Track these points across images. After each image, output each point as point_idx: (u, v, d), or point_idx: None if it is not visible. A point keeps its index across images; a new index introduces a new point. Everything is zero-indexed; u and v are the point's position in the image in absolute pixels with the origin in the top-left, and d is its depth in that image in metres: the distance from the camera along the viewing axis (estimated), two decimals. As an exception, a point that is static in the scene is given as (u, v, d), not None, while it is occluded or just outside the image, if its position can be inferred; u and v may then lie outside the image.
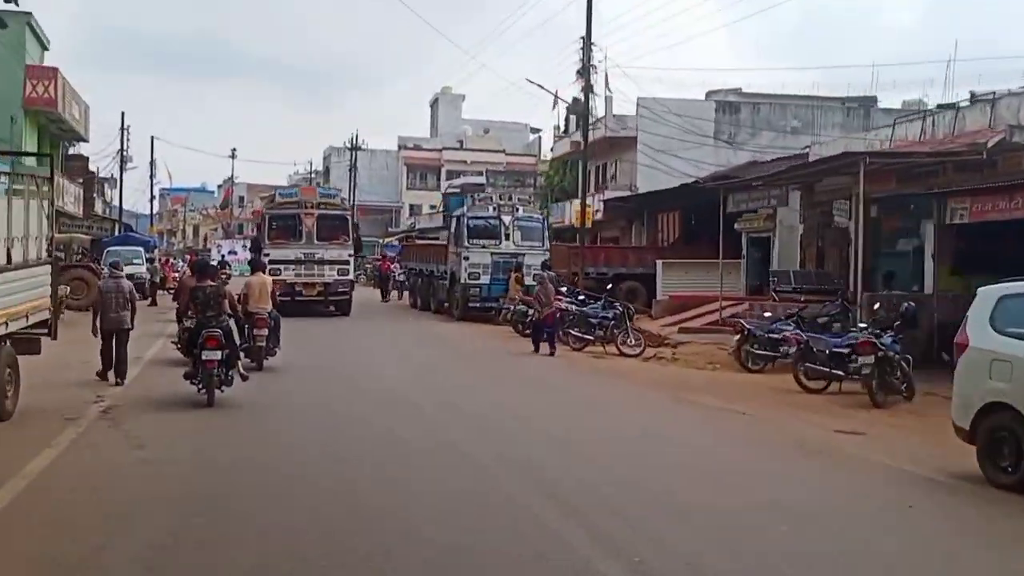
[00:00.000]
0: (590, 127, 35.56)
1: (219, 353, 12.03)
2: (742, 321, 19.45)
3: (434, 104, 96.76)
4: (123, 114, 57.82)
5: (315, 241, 29.16)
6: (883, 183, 20.62)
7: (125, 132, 53.19)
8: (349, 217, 30.83)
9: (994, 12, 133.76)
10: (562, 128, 53.95)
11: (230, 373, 12.46)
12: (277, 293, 17.71)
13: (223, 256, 61.25)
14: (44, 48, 39.73)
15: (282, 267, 28.06)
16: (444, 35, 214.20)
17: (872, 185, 19.67)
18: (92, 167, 46.07)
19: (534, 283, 23.68)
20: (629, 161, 42.07)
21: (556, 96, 42.38)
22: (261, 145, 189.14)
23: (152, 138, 66.47)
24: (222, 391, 12.38)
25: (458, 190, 62.63)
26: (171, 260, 48.56)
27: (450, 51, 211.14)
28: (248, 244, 61.99)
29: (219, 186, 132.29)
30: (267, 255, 27.49)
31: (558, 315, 21.55)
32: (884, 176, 20.52)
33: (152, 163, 66.17)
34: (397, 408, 13.33)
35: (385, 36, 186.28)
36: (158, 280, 41.16)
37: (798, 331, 17.09)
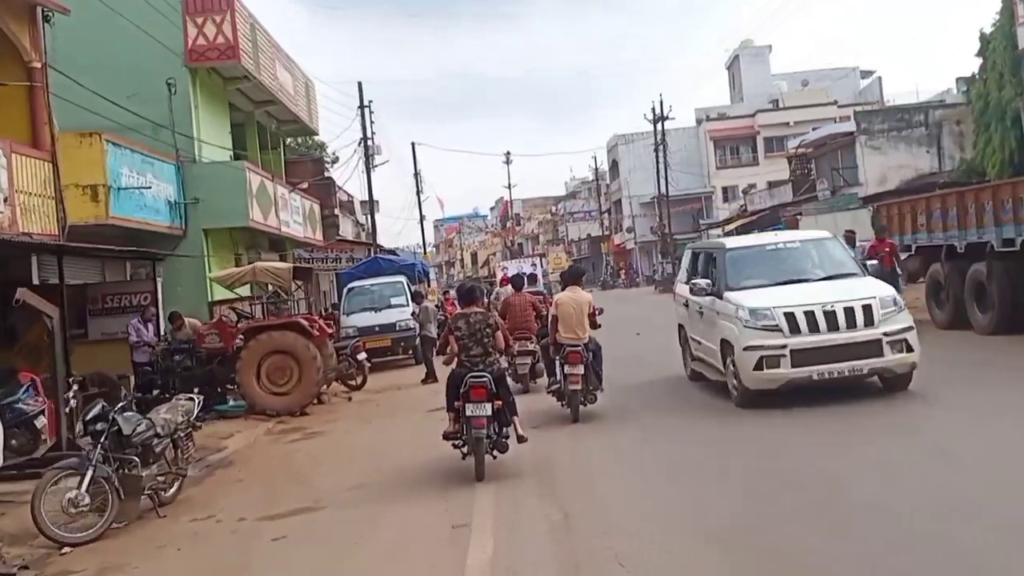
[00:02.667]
0: None
1: (488, 407, 8.76)
2: None
3: (732, 65, 77.43)
4: (360, 85, 40.36)
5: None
6: None
7: (367, 110, 36.58)
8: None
9: None
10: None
11: (505, 432, 8.82)
12: (598, 314, 11.95)
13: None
14: None
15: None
16: None
17: None
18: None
19: None
20: None
21: None
22: (526, 166, 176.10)
23: (413, 144, 50.75)
24: (494, 457, 8.96)
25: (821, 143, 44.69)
26: (450, 295, 32.36)
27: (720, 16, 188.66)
28: (538, 263, 46.37)
29: (491, 208, 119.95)
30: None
31: None
32: None
33: (417, 175, 51.25)
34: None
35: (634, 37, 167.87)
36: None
37: None
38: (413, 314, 18.69)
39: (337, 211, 30.80)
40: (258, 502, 8.96)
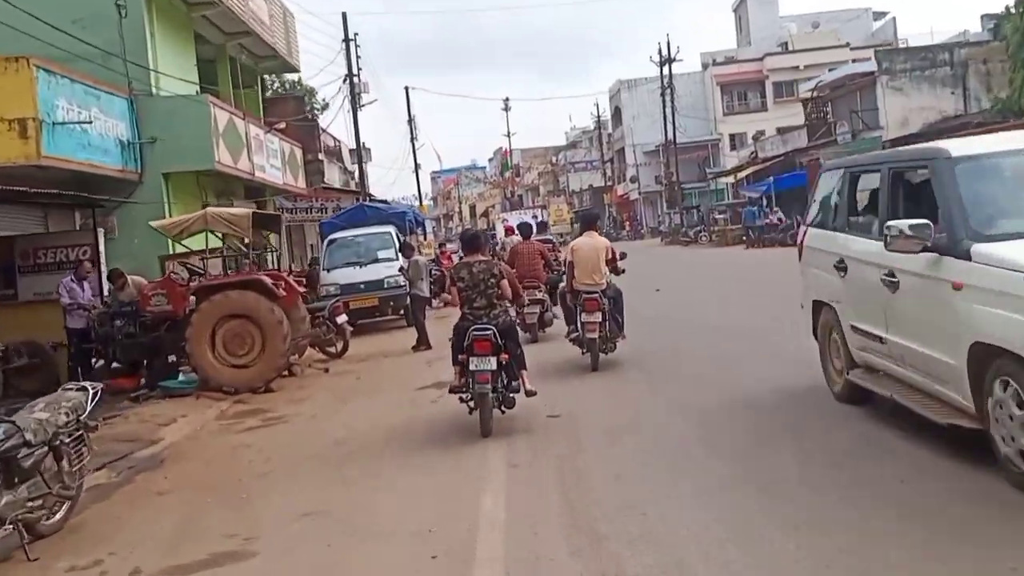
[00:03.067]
0: None
1: (493, 361, 8.27)
2: None
3: (739, 7, 73.87)
4: (344, 16, 34.73)
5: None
6: None
7: (352, 43, 32.71)
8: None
9: None
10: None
11: (513, 385, 8.40)
12: (620, 259, 11.73)
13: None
14: None
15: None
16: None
17: None
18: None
19: None
20: None
21: None
22: (525, 116, 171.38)
23: (407, 88, 47.51)
24: (503, 412, 8.52)
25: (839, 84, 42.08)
26: (448, 248, 29.18)
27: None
28: (539, 215, 43.67)
29: (490, 160, 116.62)
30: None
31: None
32: None
33: (411, 121, 48.18)
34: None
35: None
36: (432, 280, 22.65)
37: None
38: (401, 269, 15.97)
39: (322, 156, 27.95)
40: (171, 536, 6.35)
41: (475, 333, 8.38)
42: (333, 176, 29.55)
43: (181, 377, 12.53)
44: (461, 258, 9.41)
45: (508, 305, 8.90)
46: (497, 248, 26.81)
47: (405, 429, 9.10)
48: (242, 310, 12.31)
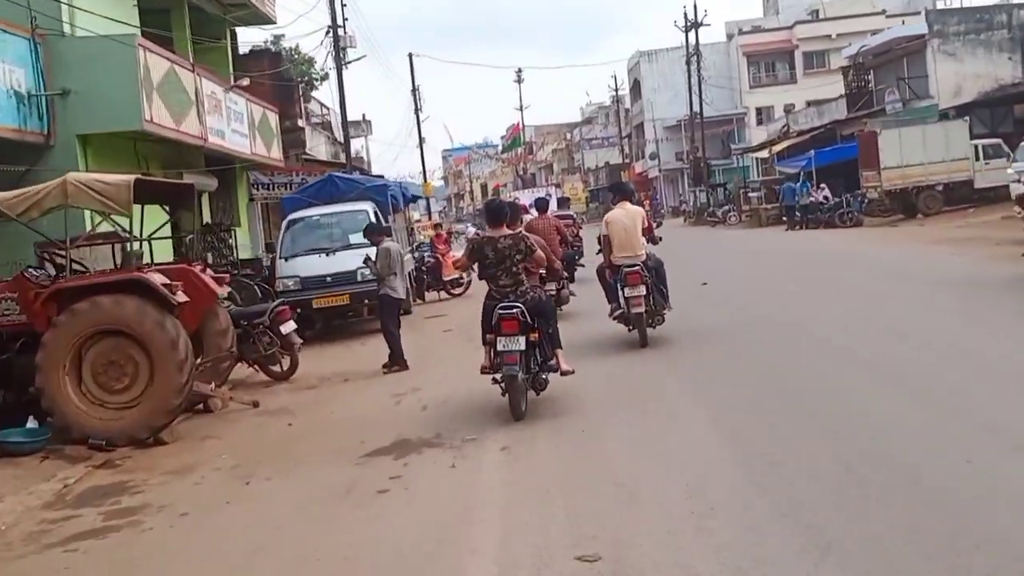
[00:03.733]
0: None
1: (521, 341, 7.73)
2: None
3: (767, -28, 69.20)
4: None
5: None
6: None
7: None
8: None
9: None
10: None
11: (549, 365, 8.13)
12: (655, 226, 11.55)
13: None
14: None
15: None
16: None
17: None
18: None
19: None
20: None
21: None
22: (540, 92, 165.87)
23: (411, 55, 43.18)
24: (537, 395, 8.15)
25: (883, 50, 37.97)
26: (443, 229, 24.62)
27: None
28: (552, 192, 40.61)
29: (502, 137, 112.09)
30: None
31: None
32: None
33: (415, 91, 43.91)
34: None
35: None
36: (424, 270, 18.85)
37: None
38: (368, 261, 11.80)
39: (303, 124, 23.82)
40: None
41: (501, 312, 7.88)
42: (319, 148, 25.35)
43: (30, 424, 8.47)
44: (476, 233, 8.34)
45: (534, 283, 8.44)
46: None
47: (329, 546, 5.08)
48: (118, 324, 8.29)
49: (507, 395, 7.80)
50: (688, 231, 42.74)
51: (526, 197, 42.89)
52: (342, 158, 28.04)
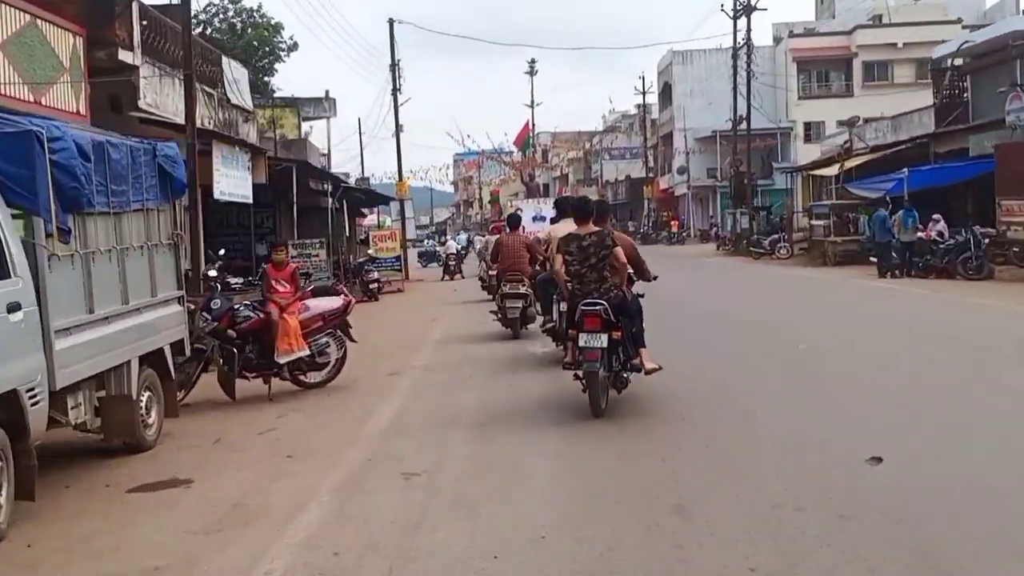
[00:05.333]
0: None
1: (604, 338, 7.92)
2: None
3: (823, -29, 59.87)
4: None
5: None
6: None
7: None
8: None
9: None
10: None
11: (632, 364, 8.20)
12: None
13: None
14: None
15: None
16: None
17: None
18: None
19: None
20: None
21: None
22: (559, 100, 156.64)
23: (391, 20, 34.02)
24: (619, 393, 8.31)
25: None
26: (287, 256, 15.18)
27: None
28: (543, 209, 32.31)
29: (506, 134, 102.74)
30: None
31: None
32: None
33: (395, 66, 34.78)
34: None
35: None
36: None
37: None
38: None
39: (134, 59, 14.45)
40: None
41: (584, 308, 8.02)
42: (176, 102, 15.46)
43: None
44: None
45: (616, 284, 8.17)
46: (480, 247, 25.26)
47: None
48: None
49: (587, 391, 7.89)
50: (721, 263, 33.34)
51: (530, 208, 33.51)
52: (245, 133, 18.74)
